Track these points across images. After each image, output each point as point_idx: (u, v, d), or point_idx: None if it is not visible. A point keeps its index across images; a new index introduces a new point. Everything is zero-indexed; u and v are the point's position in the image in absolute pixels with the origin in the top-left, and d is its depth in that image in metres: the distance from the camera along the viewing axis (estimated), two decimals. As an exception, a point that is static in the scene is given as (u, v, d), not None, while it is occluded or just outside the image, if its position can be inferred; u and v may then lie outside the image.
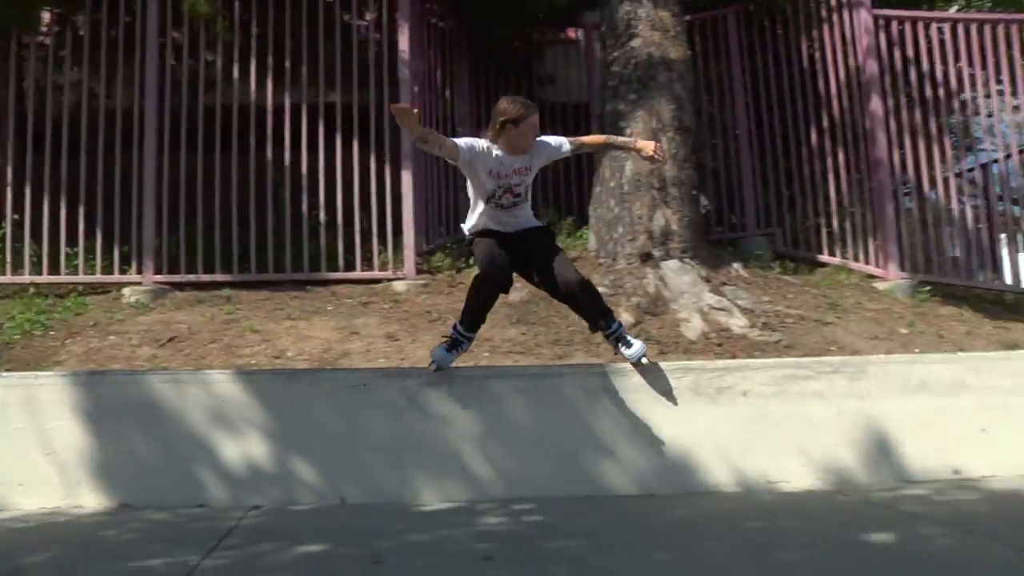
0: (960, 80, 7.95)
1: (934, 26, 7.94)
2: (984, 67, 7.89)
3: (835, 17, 7.92)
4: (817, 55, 8.13)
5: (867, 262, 7.45)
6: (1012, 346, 5.79)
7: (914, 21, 7.87)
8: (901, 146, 7.73)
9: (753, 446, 4.54)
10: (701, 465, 4.50)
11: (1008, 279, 8.35)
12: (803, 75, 8.16)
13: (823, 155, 7.85)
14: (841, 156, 7.71)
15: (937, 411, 4.69)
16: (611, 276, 6.25)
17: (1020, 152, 8.53)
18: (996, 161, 8.95)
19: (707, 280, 6.13)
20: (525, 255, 4.36)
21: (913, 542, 3.32)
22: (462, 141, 4.12)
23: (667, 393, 4.55)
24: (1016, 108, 8.50)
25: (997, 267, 9.09)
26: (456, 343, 4.46)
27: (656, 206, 6.42)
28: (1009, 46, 7.89)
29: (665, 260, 6.28)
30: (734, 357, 5.24)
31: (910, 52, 7.82)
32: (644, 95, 6.77)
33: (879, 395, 4.67)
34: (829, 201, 7.79)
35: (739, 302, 5.90)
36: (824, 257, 7.68)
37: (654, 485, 4.45)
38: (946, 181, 8.08)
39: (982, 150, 9.28)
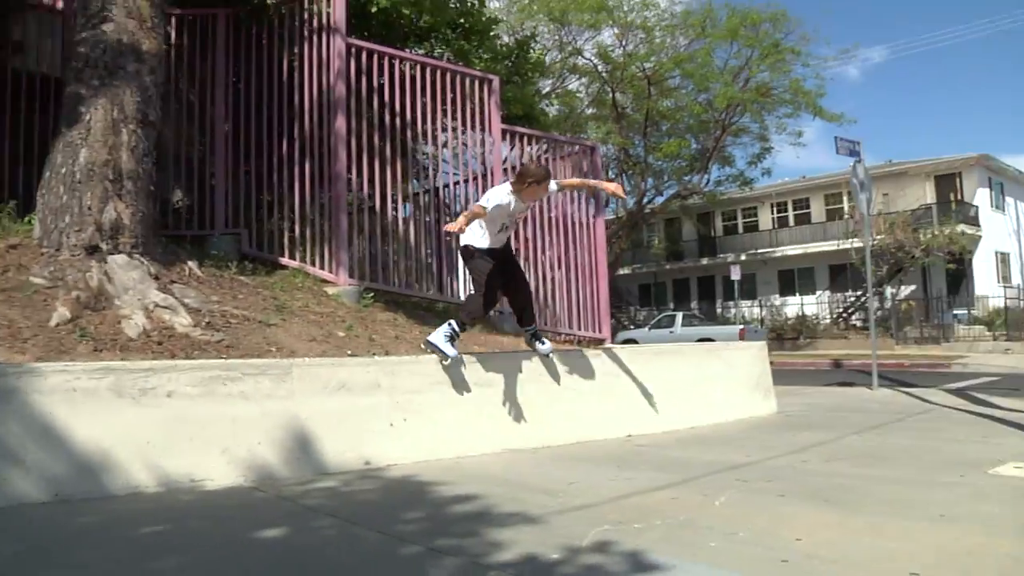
0: (417, 112, 8.60)
1: (398, 63, 8.49)
2: (435, 104, 8.65)
3: (314, 38, 8.07)
4: (296, 70, 8.22)
5: (322, 267, 7.68)
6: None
7: (382, 55, 8.32)
8: (360, 164, 8.12)
9: (177, 447, 4.34)
10: (122, 467, 4.17)
11: (450, 291, 9.24)
12: (282, 86, 8.19)
13: (292, 164, 7.94)
14: (308, 167, 7.87)
15: (355, 409, 4.97)
16: (52, 267, 5.54)
17: (473, 179, 9.53)
18: (449, 185, 9.88)
19: (156, 277, 5.74)
20: (503, 268, 5.47)
21: (301, 536, 3.39)
22: (490, 205, 5.13)
23: (89, 393, 4.14)
24: (465, 144, 9.49)
25: (445, 278, 9.98)
26: (453, 338, 5.37)
27: (109, 198, 5.85)
28: (453, 90, 8.76)
29: (113, 254, 5.74)
30: (173, 356, 4.99)
31: (376, 82, 8.27)
32: (109, 83, 6.15)
33: (303, 395, 4.79)
34: (294, 208, 7.91)
35: (187, 301, 5.62)
36: (285, 260, 7.76)
37: (68, 490, 4.02)
38: (398, 200, 8.71)
39: (445, 173, 10.04)
